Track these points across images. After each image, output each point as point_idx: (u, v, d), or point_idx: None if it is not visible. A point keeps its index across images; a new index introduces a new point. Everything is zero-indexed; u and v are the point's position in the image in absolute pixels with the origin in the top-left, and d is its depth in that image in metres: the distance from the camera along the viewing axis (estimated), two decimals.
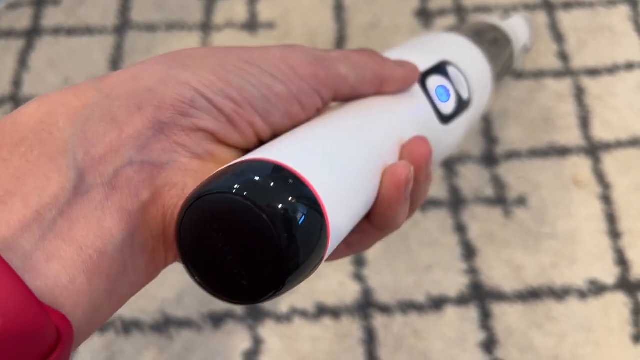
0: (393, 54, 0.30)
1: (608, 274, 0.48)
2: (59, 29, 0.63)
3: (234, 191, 0.18)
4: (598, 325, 0.46)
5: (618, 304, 0.47)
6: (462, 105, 0.31)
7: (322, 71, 0.25)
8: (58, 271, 0.18)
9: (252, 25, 0.63)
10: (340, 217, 0.21)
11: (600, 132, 0.55)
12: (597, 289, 0.48)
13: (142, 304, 0.48)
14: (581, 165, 0.53)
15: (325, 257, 0.20)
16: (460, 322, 0.47)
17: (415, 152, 0.26)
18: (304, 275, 0.20)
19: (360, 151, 0.24)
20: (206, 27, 0.63)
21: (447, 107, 0.30)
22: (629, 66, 0.58)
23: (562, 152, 0.54)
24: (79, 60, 0.61)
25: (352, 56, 0.26)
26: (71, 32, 0.63)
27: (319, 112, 0.26)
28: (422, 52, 0.32)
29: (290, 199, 0.19)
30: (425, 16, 0.62)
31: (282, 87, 0.24)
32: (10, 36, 0.63)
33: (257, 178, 0.19)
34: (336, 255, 0.27)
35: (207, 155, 0.22)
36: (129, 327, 0.47)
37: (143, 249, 0.21)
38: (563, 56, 0.59)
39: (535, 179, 0.53)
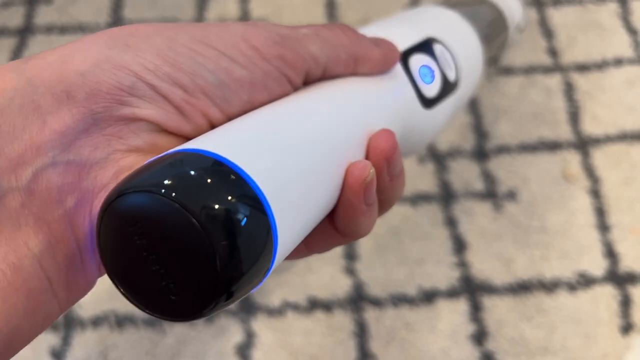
0: (374, 29, 0.28)
1: (597, 266, 0.49)
2: (52, 27, 0.64)
3: (157, 189, 0.15)
4: (587, 317, 0.47)
5: (607, 296, 0.47)
6: (447, 87, 0.28)
7: (289, 52, 0.21)
8: None
9: (244, 20, 0.63)
10: (292, 219, 0.18)
11: (590, 127, 0.55)
12: (586, 281, 0.48)
13: None
14: (571, 160, 0.54)
15: (273, 266, 0.18)
16: (451, 314, 0.47)
17: (376, 149, 0.22)
18: (248, 288, 0.17)
19: (320, 144, 0.21)
20: (199, 22, 0.63)
21: (431, 90, 0.27)
22: (618, 62, 0.59)
23: (552, 146, 0.54)
24: None
25: (323, 33, 0.23)
26: (64, 30, 0.63)
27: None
28: (405, 27, 0.29)
29: (229, 199, 0.16)
30: None
31: (243, 72, 0.20)
32: (2, 35, 0.63)
33: (188, 173, 0.16)
34: (295, 255, 0.24)
35: (148, 147, 0.19)
36: (123, 321, 0.47)
37: (70, 263, 0.18)
38: (553, 52, 0.60)
39: (525, 173, 0.53)
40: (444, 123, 0.30)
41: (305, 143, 0.20)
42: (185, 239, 0.15)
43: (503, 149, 0.54)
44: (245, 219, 0.16)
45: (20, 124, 0.17)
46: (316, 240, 0.23)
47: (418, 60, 0.27)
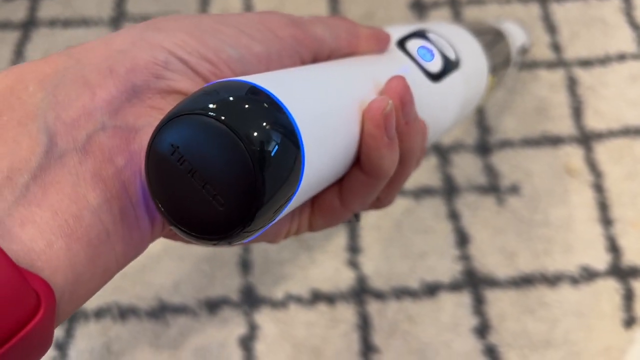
0: None
1: (600, 260, 0.49)
2: (55, 20, 0.64)
3: (200, 111, 0.17)
4: (590, 311, 0.47)
5: (609, 289, 0.47)
6: (450, 64, 0.30)
7: (300, 32, 0.25)
8: (34, 235, 0.17)
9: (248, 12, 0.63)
10: (318, 152, 0.20)
11: (593, 121, 0.55)
12: (589, 275, 0.48)
13: (138, 291, 0.48)
14: (574, 154, 0.54)
15: (297, 192, 0.20)
16: (454, 307, 0.47)
17: (389, 89, 0.24)
18: (274, 209, 0.19)
19: (339, 90, 0.23)
20: None
21: (434, 66, 0.29)
22: (621, 57, 0.59)
23: (555, 141, 0.54)
24: None
25: (324, 19, 0.27)
26: (67, 23, 0.63)
27: None
28: (399, 26, 0.32)
29: (264, 123, 0.18)
30: (419, 8, 0.62)
31: (260, 47, 0.23)
32: (6, 28, 0.63)
33: (229, 98, 0.18)
34: (331, 212, 0.26)
35: None
36: (126, 313, 0.47)
37: (124, 217, 0.20)
38: (556, 47, 0.60)
39: (528, 167, 0.53)
40: (458, 101, 0.31)
41: (329, 88, 0.22)
42: (224, 154, 0.17)
43: (506, 144, 0.54)
44: (277, 145, 0.18)
45: (74, 95, 0.19)
46: (348, 190, 0.25)
47: (415, 44, 0.30)
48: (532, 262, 0.49)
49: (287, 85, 0.20)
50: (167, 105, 0.21)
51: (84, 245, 0.18)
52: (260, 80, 0.19)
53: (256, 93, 0.18)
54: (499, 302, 0.47)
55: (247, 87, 0.18)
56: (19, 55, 0.61)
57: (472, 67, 0.34)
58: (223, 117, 0.17)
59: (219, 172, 0.17)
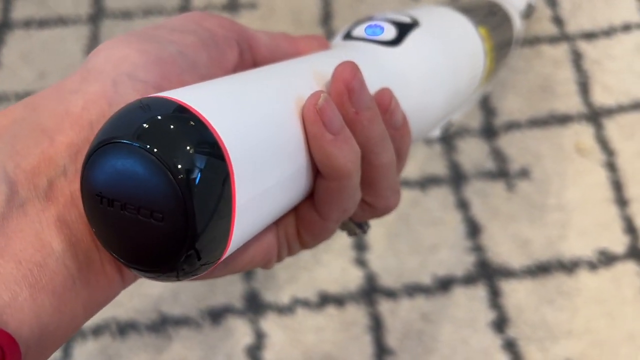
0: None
1: (617, 243, 0.47)
2: (30, 21, 0.60)
3: (121, 139, 0.17)
4: (610, 297, 0.45)
5: (630, 273, 0.45)
6: (405, 26, 0.28)
7: (224, 21, 0.25)
8: None
9: (233, 5, 0.60)
10: (256, 164, 0.19)
11: (601, 97, 0.53)
12: (607, 259, 0.46)
13: (136, 304, 0.45)
14: (583, 133, 0.51)
15: (236, 212, 0.18)
16: (469, 302, 0.45)
17: (334, 76, 0.22)
18: (218, 227, 0.17)
19: (276, 93, 0.21)
20: (185, 10, 0.60)
21: (387, 35, 0.28)
22: (626, 27, 0.56)
23: (563, 120, 0.52)
24: (54, 53, 0.58)
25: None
26: (43, 23, 0.60)
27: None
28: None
29: (191, 144, 0.16)
30: None
31: (193, 37, 0.23)
32: None
33: (147, 120, 0.17)
34: (313, 228, 0.24)
35: None
36: (125, 328, 0.44)
37: (90, 261, 0.20)
38: (558, 21, 0.57)
39: (537, 149, 0.51)
40: (436, 56, 0.29)
41: (264, 93, 0.21)
42: (151, 175, 0.16)
43: (512, 125, 0.52)
44: (205, 164, 0.17)
45: (32, 143, 0.19)
46: (318, 200, 0.23)
47: (360, 28, 0.29)
48: (547, 248, 0.47)
49: (212, 98, 0.19)
50: None
51: (49, 294, 0.18)
52: (182, 95, 0.18)
53: (177, 110, 0.17)
54: (515, 293, 0.45)
55: (165, 103, 0.17)
56: None
57: (439, 21, 0.32)
58: (141, 143, 0.16)
59: (147, 192, 0.17)
